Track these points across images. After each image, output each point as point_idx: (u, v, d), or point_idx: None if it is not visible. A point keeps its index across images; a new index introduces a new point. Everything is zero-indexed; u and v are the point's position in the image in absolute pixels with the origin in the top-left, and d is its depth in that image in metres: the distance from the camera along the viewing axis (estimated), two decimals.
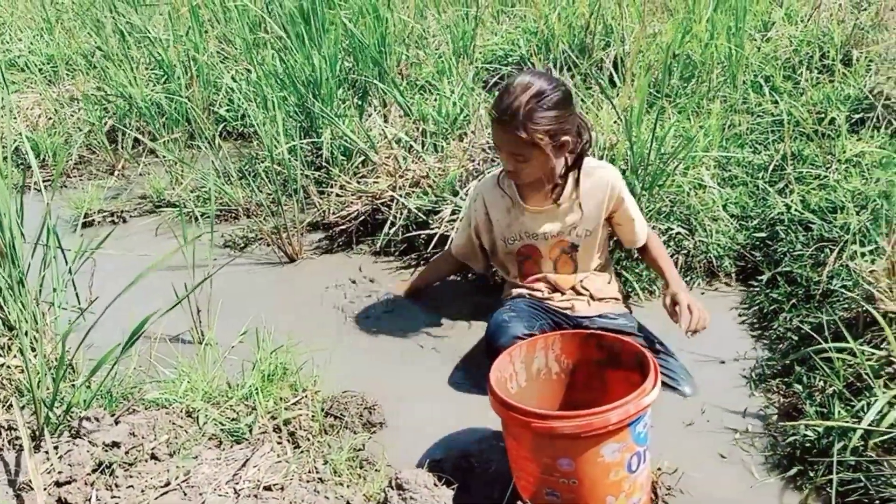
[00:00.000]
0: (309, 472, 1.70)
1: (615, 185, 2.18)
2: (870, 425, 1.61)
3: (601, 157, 2.73)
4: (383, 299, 2.67)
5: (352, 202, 3.12)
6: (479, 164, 2.97)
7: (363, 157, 3.26)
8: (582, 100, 3.11)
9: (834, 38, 3.58)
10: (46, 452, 1.66)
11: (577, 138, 2.10)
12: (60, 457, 1.67)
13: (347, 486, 1.68)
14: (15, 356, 2.09)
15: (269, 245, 3.10)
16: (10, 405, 1.84)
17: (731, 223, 2.62)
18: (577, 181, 2.18)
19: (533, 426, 1.51)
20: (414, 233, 2.88)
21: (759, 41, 3.84)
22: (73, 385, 1.97)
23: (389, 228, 2.96)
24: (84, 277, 2.40)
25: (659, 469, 1.75)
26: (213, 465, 1.67)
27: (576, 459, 1.52)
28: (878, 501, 1.56)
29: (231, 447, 1.74)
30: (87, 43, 5.04)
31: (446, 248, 2.60)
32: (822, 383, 1.87)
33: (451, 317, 2.54)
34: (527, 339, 1.84)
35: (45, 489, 1.57)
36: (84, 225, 3.43)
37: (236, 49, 4.23)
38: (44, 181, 3.89)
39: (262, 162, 3.44)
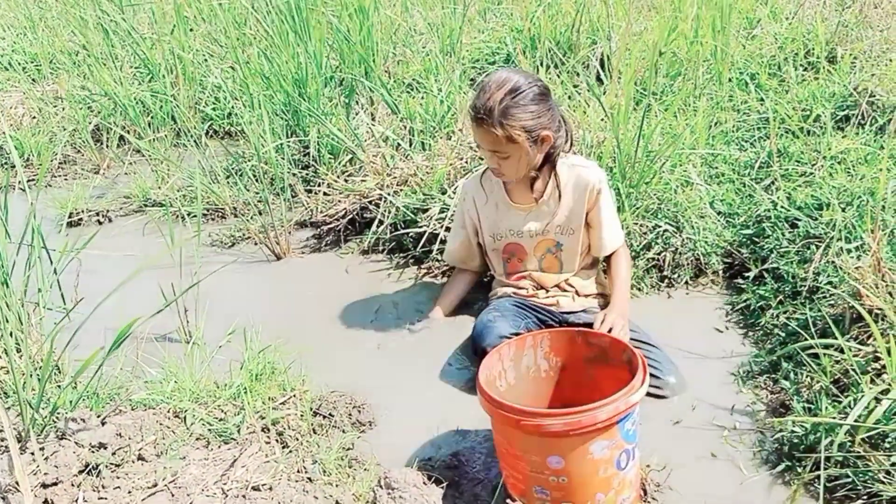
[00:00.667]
0: (298, 471, 1.70)
1: (595, 184, 2.20)
2: (856, 421, 1.62)
3: (588, 156, 2.73)
4: (371, 298, 2.67)
5: (339, 201, 3.11)
6: (466, 161, 2.96)
7: (351, 156, 3.25)
8: (569, 97, 3.11)
9: (818, 36, 3.60)
10: (32, 454, 1.65)
11: (557, 133, 2.11)
12: (46, 458, 1.65)
13: (336, 486, 1.68)
14: (0, 357, 2.07)
15: (256, 244, 3.09)
16: None
17: (718, 220, 2.63)
18: (556, 178, 2.20)
19: (522, 424, 1.51)
20: (402, 231, 2.87)
21: (744, 39, 3.86)
22: (59, 386, 1.95)
23: (378, 227, 2.95)
24: (69, 277, 2.38)
25: (648, 466, 1.76)
26: (200, 466, 1.66)
27: (565, 457, 1.52)
28: (865, 496, 1.58)
29: (219, 447, 1.73)
30: (72, 41, 5.00)
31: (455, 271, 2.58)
32: (809, 379, 1.89)
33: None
34: (515, 338, 1.84)
35: (31, 490, 1.55)
36: (69, 224, 3.40)
37: (222, 47, 4.20)
38: (28, 181, 3.86)
39: (249, 161, 3.42)
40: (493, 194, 2.29)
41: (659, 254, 2.57)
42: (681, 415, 1.96)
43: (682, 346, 2.21)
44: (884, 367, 1.74)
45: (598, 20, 3.73)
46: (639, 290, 2.53)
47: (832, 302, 2.05)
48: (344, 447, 1.85)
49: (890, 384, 1.69)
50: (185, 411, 1.83)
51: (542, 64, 3.44)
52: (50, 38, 5.13)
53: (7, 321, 1.99)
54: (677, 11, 3.69)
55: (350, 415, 2.01)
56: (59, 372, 2.10)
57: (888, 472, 1.57)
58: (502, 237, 2.31)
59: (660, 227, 2.58)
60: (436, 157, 3.01)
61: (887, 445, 1.61)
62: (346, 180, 3.18)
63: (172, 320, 2.34)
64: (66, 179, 3.98)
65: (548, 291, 2.29)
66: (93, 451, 1.68)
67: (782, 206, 2.49)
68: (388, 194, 2.94)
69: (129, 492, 1.59)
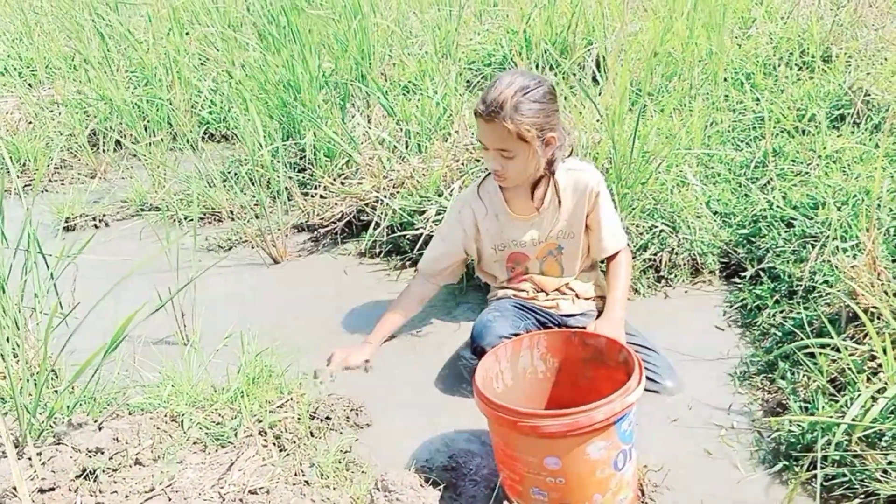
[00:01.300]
0: (295, 474, 1.70)
1: (594, 187, 2.18)
2: (853, 420, 1.62)
3: (584, 157, 2.73)
4: (370, 301, 2.67)
5: (336, 203, 3.11)
6: (463, 163, 2.97)
7: (347, 159, 3.25)
8: (565, 98, 3.11)
9: (813, 35, 3.60)
10: (30, 459, 1.64)
11: (562, 136, 2.11)
12: (44, 463, 1.65)
13: (334, 489, 1.68)
14: None
15: (253, 247, 3.09)
16: None
17: (715, 220, 2.63)
18: (555, 184, 2.18)
19: (519, 425, 1.51)
20: (399, 233, 2.87)
21: (739, 38, 3.86)
22: (56, 391, 1.95)
23: (374, 229, 2.95)
24: (66, 282, 2.37)
25: (645, 466, 1.76)
26: (197, 470, 1.66)
27: (562, 458, 1.52)
28: (862, 495, 1.58)
29: (216, 451, 1.73)
30: (67, 46, 5.00)
31: (413, 282, 2.46)
32: (805, 379, 1.89)
33: (437, 318, 2.54)
34: (512, 339, 1.84)
35: (28, 496, 1.55)
36: (66, 229, 3.41)
37: (218, 51, 4.20)
38: (24, 186, 3.87)
39: (245, 164, 3.42)
40: (492, 206, 2.25)
41: (655, 254, 2.57)
42: (678, 415, 1.96)
43: (679, 347, 2.22)
44: (880, 365, 1.74)
45: (594, 21, 3.73)
46: (636, 290, 2.53)
47: (828, 301, 2.05)
48: (341, 450, 1.85)
49: (886, 383, 1.69)
50: (182, 415, 1.83)
51: (537, 65, 3.45)
52: (46, 43, 5.13)
53: (4, 326, 1.98)
54: (672, 11, 3.69)
55: (347, 417, 2.01)
56: (56, 376, 2.10)
57: (885, 471, 1.57)
58: (505, 247, 2.28)
59: (656, 227, 2.58)
60: (432, 160, 3.01)
61: (884, 444, 1.61)
62: (342, 183, 3.19)
63: (169, 324, 2.34)
64: (62, 184, 3.98)
65: (548, 294, 2.28)
66: (90, 456, 1.68)
67: (778, 206, 2.49)
68: (385, 197, 2.94)
69: (126, 496, 1.58)
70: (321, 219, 3.12)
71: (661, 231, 2.58)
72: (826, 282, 2.09)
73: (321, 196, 3.19)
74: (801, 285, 2.16)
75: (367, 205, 3.03)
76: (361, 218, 3.07)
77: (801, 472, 1.65)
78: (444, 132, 3.22)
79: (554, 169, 2.16)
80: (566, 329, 1.87)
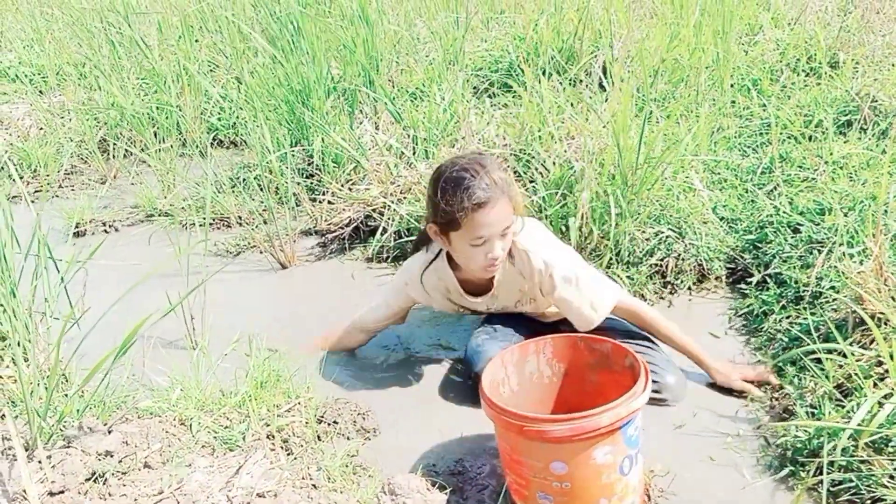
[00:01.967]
0: (302, 478, 1.71)
1: (541, 269, 2.02)
2: (859, 425, 1.62)
3: (590, 163, 2.74)
4: None
5: (344, 209, 3.13)
6: None
7: (355, 165, 3.27)
8: (571, 105, 3.12)
9: (820, 41, 3.61)
10: (40, 462, 1.66)
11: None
12: (54, 466, 1.67)
13: (341, 493, 1.69)
14: (7, 366, 2.09)
15: (261, 252, 3.11)
16: (3, 415, 1.83)
17: (721, 226, 2.63)
18: (510, 261, 2.06)
19: (525, 430, 1.51)
20: (406, 239, 2.89)
21: (746, 45, 3.87)
22: (66, 395, 1.96)
23: (382, 235, 2.97)
24: (76, 287, 2.40)
25: (651, 471, 1.76)
26: (205, 473, 1.67)
27: (568, 462, 1.52)
28: (868, 501, 1.58)
29: (224, 454, 1.74)
30: (78, 53, 5.05)
31: (352, 325, 2.38)
32: (812, 384, 1.89)
33: (446, 324, 2.55)
34: (518, 343, 1.85)
35: (38, 498, 1.56)
36: (76, 235, 3.44)
37: (227, 58, 4.24)
38: (35, 192, 3.91)
39: (254, 170, 3.44)
40: (438, 290, 2.18)
41: (662, 260, 2.58)
42: (683, 420, 1.96)
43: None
44: (887, 371, 1.74)
45: (601, 28, 3.75)
46: (642, 296, 2.53)
47: (835, 307, 2.05)
48: (348, 454, 1.86)
49: (893, 388, 1.69)
50: (191, 419, 1.84)
51: (544, 72, 3.46)
52: (57, 50, 5.18)
53: (15, 331, 2.01)
54: (679, 18, 3.70)
55: (355, 422, 2.02)
56: (67, 380, 2.11)
57: (892, 477, 1.57)
58: (461, 309, 2.25)
59: (662, 233, 2.58)
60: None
61: (891, 450, 1.61)
62: (350, 189, 3.21)
63: (178, 328, 2.36)
64: (73, 190, 4.02)
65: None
66: (99, 459, 1.70)
67: (785, 212, 2.50)
68: (392, 202, 2.96)
69: (136, 499, 1.60)
70: (329, 224, 3.14)
71: (667, 237, 2.58)
72: (833, 287, 2.09)
73: (329, 202, 3.21)
74: (807, 291, 2.16)
75: (374, 210, 3.05)
76: (369, 223, 3.08)
77: (808, 477, 1.65)
78: (450, 138, 3.23)
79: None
80: (573, 334, 1.87)
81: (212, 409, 1.89)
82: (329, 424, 1.98)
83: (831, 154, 2.74)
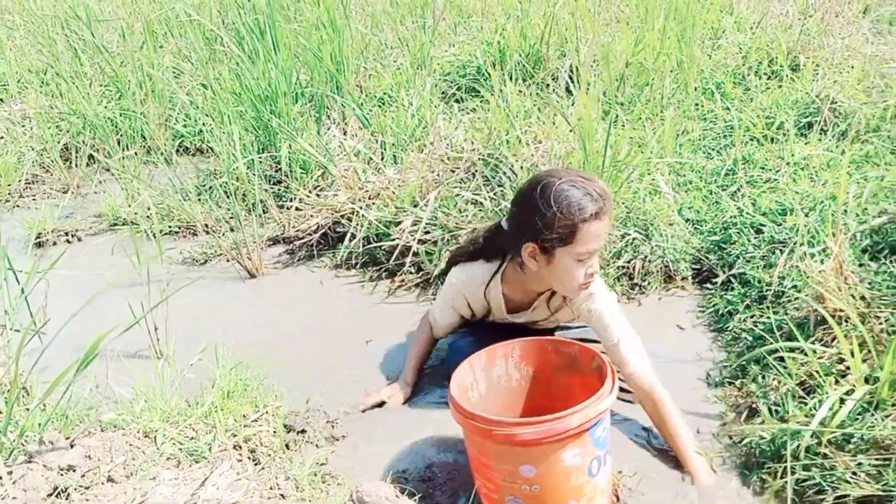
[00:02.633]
0: (270, 488, 1.69)
1: (579, 305, 1.97)
2: (822, 423, 1.65)
3: (556, 165, 2.76)
4: (346, 313, 2.67)
5: (312, 215, 3.11)
6: (438, 174, 2.98)
7: (322, 171, 3.25)
8: (538, 110, 3.14)
9: (781, 45, 3.67)
10: (0, 477, 1.62)
11: None
12: (15, 482, 1.63)
13: (309, 502, 1.67)
14: None
15: (228, 261, 3.08)
16: None
17: (686, 227, 2.66)
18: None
19: (493, 434, 1.51)
20: (375, 244, 2.88)
21: (709, 49, 3.92)
22: (27, 408, 1.92)
23: (350, 241, 2.95)
24: (37, 298, 2.35)
25: (620, 472, 1.77)
26: (170, 486, 1.65)
27: (537, 465, 1.53)
28: (832, 497, 1.59)
29: (189, 466, 1.72)
30: (40, 60, 4.96)
31: (429, 331, 2.27)
32: (775, 382, 1.91)
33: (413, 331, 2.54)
34: (486, 348, 1.85)
35: None
36: (37, 245, 3.38)
37: (192, 64, 4.19)
38: None
39: (220, 177, 3.41)
40: (490, 304, 2.12)
41: (629, 262, 2.60)
42: (651, 421, 1.97)
43: (653, 352, 2.22)
44: (848, 368, 1.77)
45: (567, 32, 3.77)
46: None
47: (797, 305, 2.08)
48: (318, 462, 1.84)
49: (854, 385, 1.72)
50: (156, 431, 1.81)
51: (511, 77, 3.48)
52: (18, 57, 5.08)
53: None
54: (644, 23, 3.74)
55: (324, 429, 2.00)
56: (27, 394, 2.07)
57: (854, 473, 1.59)
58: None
59: (629, 235, 2.60)
60: (407, 171, 3.02)
61: (852, 446, 1.64)
62: (318, 195, 3.19)
63: (142, 339, 2.32)
64: (34, 199, 3.94)
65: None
66: (62, 474, 1.66)
67: (748, 213, 2.53)
68: (361, 208, 2.95)
69: None
70: (297, 231, 3.12)
71: (633, 239, 2.61)
72: (795, 286, 2.12)
73: (297, 208, 3.19)
74: (770, 290, 2.20)
75: (342, 216, 3.04)
76: (337, 230, 3.07)
77: (774, 480, 1.66)
78: (419, 143, 3.23)
79: None
80: (540, 337, 1.87)
81: (177, 420, 1.86)
82: (298, 433, 1.96)
83: (793, 155, 2.79)
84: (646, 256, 2.60)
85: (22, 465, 1.69)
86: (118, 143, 3.94)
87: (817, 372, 1.80)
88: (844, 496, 1.58)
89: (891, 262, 2.05)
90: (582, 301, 1.94)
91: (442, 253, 2.72)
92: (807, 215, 2.34)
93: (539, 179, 1.82)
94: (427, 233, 2.78)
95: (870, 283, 1.96)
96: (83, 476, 1.66)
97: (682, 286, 2.60)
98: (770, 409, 1.85)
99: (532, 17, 3.88)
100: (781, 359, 1.92)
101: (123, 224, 3.44)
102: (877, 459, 1.59)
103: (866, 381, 1.72)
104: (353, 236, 2.95)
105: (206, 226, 3.28)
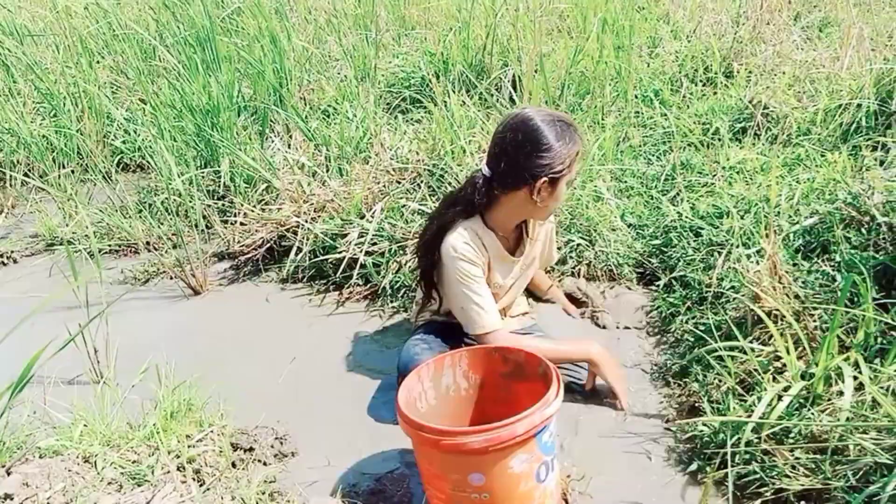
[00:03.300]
0: None
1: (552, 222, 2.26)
2: (761, 418, 1.69)
3: None
4: (292, 327, 2.64)
5: (256, 230, 3.07)
6: (384, 185, 2.98)
7: (266, 184, 3.22)
8: (481, 120, 3.17)
9: (715, 52, 3.77)
10: None
11: None
12: None
13: None
14: None
15: (172, 278, 3.02)
16: None
17: (629, 232, 2.71)
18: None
19: (442, 443, 1.51)
20: (322, 258, 2.85)
21: (648, 57, 4.01)
22: None
23: (296, 255, 2.92)
24: None
25: (569, 476, 1.79)
26: None
27: (486, 473, 1.53)
28: (772, 492, 1.64)
29: (132, 490, 1.67)
30: None
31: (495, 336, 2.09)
32: (716, 381, 1.96)
33: (363, 344, 2.52)
34: (434, 358, 1.85)
35: None
36: None
37: (129, 79, 4.11)
38: None
39: (161, 194, 3.34)
40: (490, 250, 2.11)
41: (574, 267, 2.63)
42: (597, 423, 2.00)
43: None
44: (784, 365, 1.82)
45: (508, 43, 3.82)
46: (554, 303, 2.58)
47: (735, 306, 2.14)
48: (266, 480, 1.82)
49: (791, 381, 1.77)
50: (96, 456, 1.76)
51: (454, 88, 3.50)
52: None
53: None
54: (582, 32, 3.81)
55: (272, 446, 1.97)
56: None
57: (793, 467, 1.64)
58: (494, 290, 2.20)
59: (573, 241, 2.64)
60: (353, 183, 3.01)
61: (791, 440, 1.69)
62: (262, 209, 3.15)
63: (82, 362, 2.26)
64: None
65: None
66: None
67: (687, 217, 2.59)
68: (306, 221, 2.92)
69: None
70: (242, 246, 3.07)
71: (578, 245, 2.64)
72: (732, 287, 2.18)
73: (241, 223, 3.14)
74: (710, 292, 2.25)
75: (288, 230, 3.01)
76: (283, 244, 3.03)
77: (712, 470, 1.70)
78: (364, 155, 3.22)
79: None
80: (486, 345, 1.88)
81: (118, 443, 1.81)
82: (245, 451, 1.93)
83: (728, 160, 2.87)
84: (590, 262, 2.64)
85: None
86: (53, 161, 3.83)
87: (756, 370, 1.85)
88: (784, 490, 1.62)
89: (822, 261, 2.12)
90: (549, 221, 2.22)
91: (389, 264, 2.72)
92: (742, 218, 2.41)
93: (522, 127, 1.93)
94: (374, 244, 2.78)
95: (803, 282, 2.03)
96: None
97: (628, 287, 2.63)
98: (712, 407, 1.89)
99: (473, 28, 3.91)
100: (721, 358, 1.96)
101: (61, 244, 3.35)
102: (814, 453, 1.64)
103: (802, 377, 1.77)
104: (300, 250, 2.92)
105: (148, 243, 3.21)
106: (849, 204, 2.18)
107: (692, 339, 2.19)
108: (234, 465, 1.86)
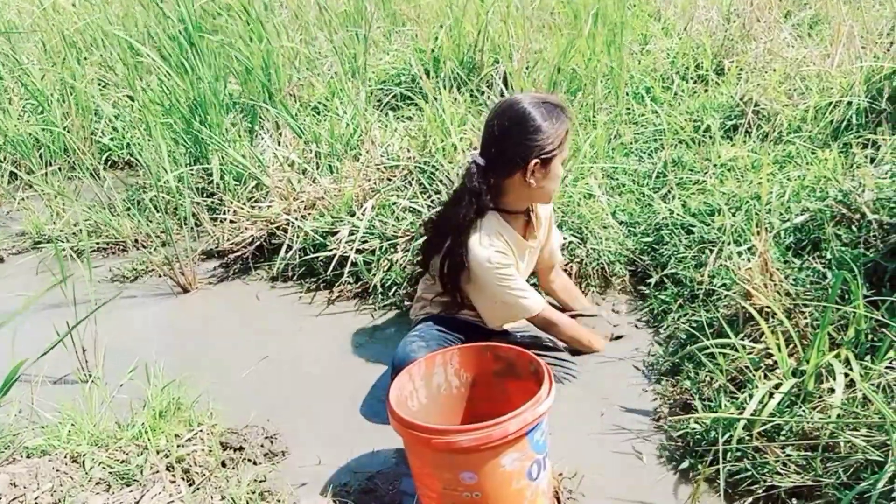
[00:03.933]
0: None
1: (551, 208, 2.28)
2: (752, 415, 1.69)
3: None
4: (283, 325, 2.62)
5: (246, 228, 3.05)
6: (374, 183, 2.96)
7: (256, 182, 3.20)
8: (472, 116, 3.16)
9: (707, 50, 3.78)
10: None
11: None
12: None
13: None
14: None
15: (161, 276, 2.99)
16: None
17: (621, 230, 2.70)
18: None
19: (433, 442, 1.50)
20: (312, 255, 2.84)
21: (639, 54, 4.01)
22: None
23: (286, 252, 2.91)
24: None
25: (560, 475, 1.78)
26: None
27: (477, 472, 1.52)
28: (764, 489, 1.64)
29: (120, 490, 1.66)
30: None
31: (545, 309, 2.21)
32: (708, 378, 1.96)
33: (355, 342, 2.51)
34: (425, 356, 1.84)
35: None
36: None
37: (117, 75, 4.08)
38: None
39: (150, 191, 3.32)
40: (510, 242, 2.13)
41: (566, 265, 2.63)
42: (590, 421, 2.00)
43: (593, 354, 2.27)
44: (776, 362, 1.83)
45: (499, 39, 3.80)
46: (549, 302, 2.57)
47: (727, 303, 2.14)
48: (256, 479, 1.80)
49: (782, 378, 1.77)
50: (84, 455, 1.74)
51: (445, 85, 3.48)
52: None
53: None
54: (574, 29, 3.80)
55: (262, 445, 1.96)
56: None
57: (784, 465, 1.64)
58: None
59: (565, 239, 2.63)
60: (343, 180, 3.00)
61: (782, 437, 1.69)
62: (252, 207, 3.13)
63: (71, 362, 2.23)
64: None
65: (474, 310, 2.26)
66: None
67: (678, 214, 2.59)
68: (296, 219, 2.91)
69: None
70: (231, 244, 3.05)
71: (569, 243, 2.64)
72: (724, 285, 2.18)
73: (231, 221, 3.12)
74: (701, 289, 2.25)
75: (278, 228, 2.99)
76: (273, 241, 3.02)
77: (704, 468, 1.70)
78: (354, 152, 3.21)
79: None
80: (478, 344, 1.88)
81: (107, 443, 1.79)
82: (235, 450, 1.92)
83: (719, 157, 2.87)
84: (582, 260, 2.63)
85: None
86: (41, 158, 3.80)
87: (747, 367, 1.85)
88: (775, 487, 1.62)
89: (813, 258, 2.12)
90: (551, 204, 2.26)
91: (380, 262, 2.71)
92: (733, 215, 2.41)
93: (508, 111, 1.97)
94: (364, 242, 2.76)
95: (794, 280, 2.03)
96: None
97: (621, 287, 2.63)
98: (703, 405, 1.89)
99: (464, 25, 3.90)
100: (713, 355, 1.96)
101: (48, 242, 3.32)
102: (805, 450, 1.64)
103: (793, 374, 1.77)
104: (290, 248, 2.90)
105: (137, 241, 3.18)
106: (839, 201, 2.19)
107: (684, 337, 2.19)
108: (223, 464, 1.85)
